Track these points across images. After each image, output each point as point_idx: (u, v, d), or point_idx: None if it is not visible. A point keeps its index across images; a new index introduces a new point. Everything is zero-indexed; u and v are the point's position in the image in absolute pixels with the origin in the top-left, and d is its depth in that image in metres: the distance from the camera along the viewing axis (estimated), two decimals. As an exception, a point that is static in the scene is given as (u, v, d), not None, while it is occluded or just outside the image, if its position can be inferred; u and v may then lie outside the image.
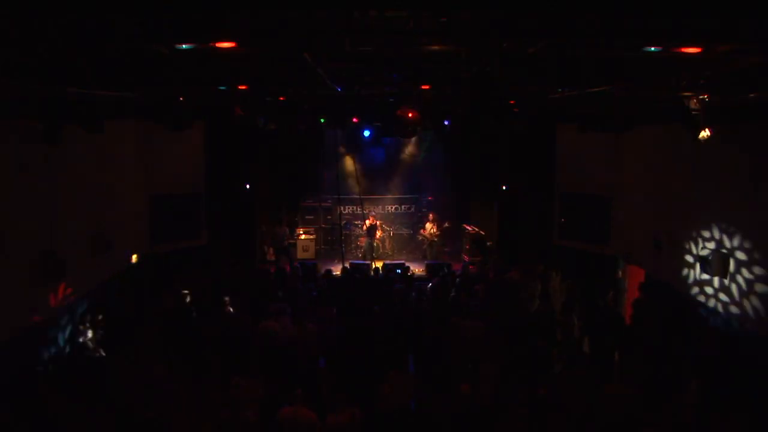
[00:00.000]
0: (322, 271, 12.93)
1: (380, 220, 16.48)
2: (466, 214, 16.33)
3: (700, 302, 8.56)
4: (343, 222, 16.16)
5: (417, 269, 14.54)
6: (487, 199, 15.70)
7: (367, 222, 15.82)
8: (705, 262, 8.18)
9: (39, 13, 3.38)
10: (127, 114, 9.82)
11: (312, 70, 5.89)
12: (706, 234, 8.47)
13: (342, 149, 16.18)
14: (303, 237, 15.99)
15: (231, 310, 9.63)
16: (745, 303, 7.52)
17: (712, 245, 8.25)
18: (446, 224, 15.88)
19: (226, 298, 9.69)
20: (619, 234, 11.66)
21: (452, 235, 16.22)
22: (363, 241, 16.11)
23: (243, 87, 7.77)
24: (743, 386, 6.89)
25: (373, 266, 13.61)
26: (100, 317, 8.66)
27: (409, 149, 16.72)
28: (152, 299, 9.99)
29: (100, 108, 7.71)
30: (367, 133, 14.54)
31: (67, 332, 8.36)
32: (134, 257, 10.98)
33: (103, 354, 8.35)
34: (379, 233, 16.03)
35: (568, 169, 12.96)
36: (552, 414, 6.23)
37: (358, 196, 15.70)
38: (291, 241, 15.70)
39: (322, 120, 12.09)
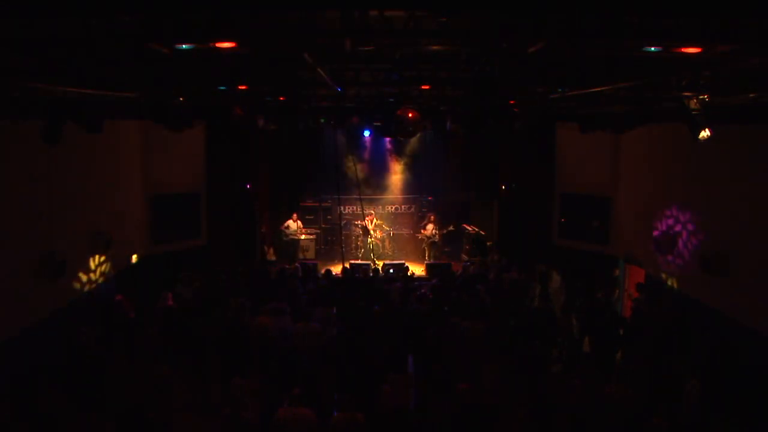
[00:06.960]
0: (323, 271, 12.92)
1: (380, 220, 16.45)
2: (466, 214, 16.32)
3: (700, 302, 8.55)
4: (343, 222, 16.15)
5: (417, 269, 14.52)
6: (487, 199, 15.67)
7: (365, 222, 15.80)
8: (705, 261, 8.18)
9: (40, 13, 3.38)
10: (127, 114, 9.81)
11: (312, 70, 5.90)
12: (706, 233, 8.47)
13: (342, 149, 16.14)
14: (303, 237, 15.97)
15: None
16: (745, 302, 7.52)
17: (711, 244, 8.25)
18: (450, 227, 15.84)
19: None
20: (619, 234, 11.65)
21: (452, 235, 16.21)
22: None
23: (243, 87, 7.76)
24: (743, 386, 6.89)
25: (374, 266, 13.60)
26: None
27: (410, 149, 16.70)
28: (152, 299, 9.98)
29: (100, 108, 7.70)
30: (367, 133, 14.53)
31: (67, 332, 8.35)
32: (134, 257, 10.97)
33: (103, 353, 8.34)
34: (379, 233, 16.00)
35: (568, 169, 12.96)
36: (552, 414, 6.22)
37: (358, 196, 15.69)
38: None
39: (322, 120, 12.09)
